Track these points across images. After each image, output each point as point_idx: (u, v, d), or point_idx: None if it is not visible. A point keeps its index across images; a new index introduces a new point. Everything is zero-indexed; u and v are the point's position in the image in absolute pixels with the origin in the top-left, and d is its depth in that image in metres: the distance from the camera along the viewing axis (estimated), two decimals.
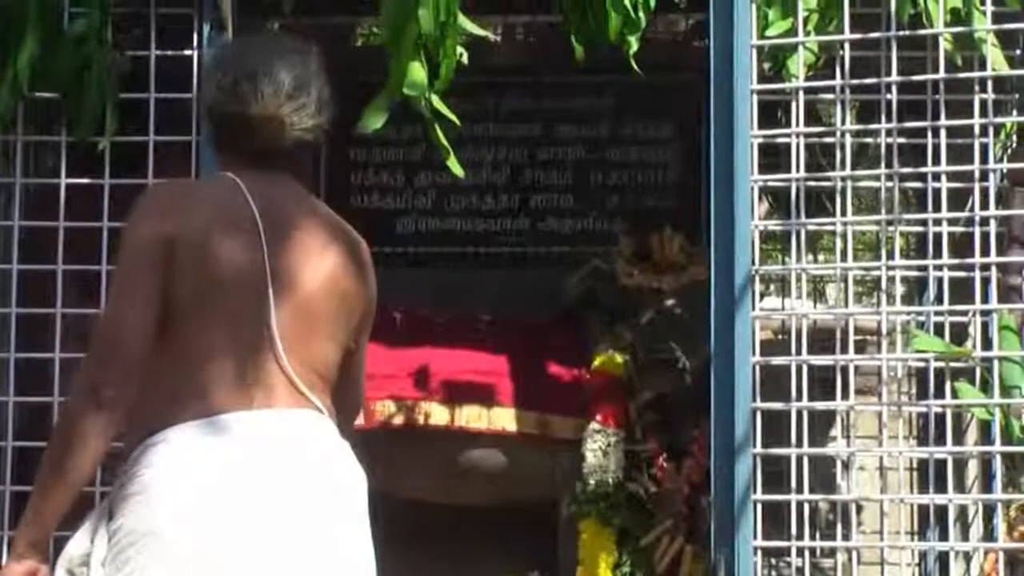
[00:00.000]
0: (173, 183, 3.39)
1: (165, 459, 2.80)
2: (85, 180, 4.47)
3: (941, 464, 4.31)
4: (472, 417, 5.57)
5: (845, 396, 4.31)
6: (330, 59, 3.16)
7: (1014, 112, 4.45)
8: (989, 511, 4.32)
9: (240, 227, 2.88)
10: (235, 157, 3.03)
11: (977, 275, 4.26)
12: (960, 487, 4.36)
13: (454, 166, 4.32)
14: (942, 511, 4.49)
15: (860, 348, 4.48)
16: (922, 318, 4.44)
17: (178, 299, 2.84)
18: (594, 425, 5.39)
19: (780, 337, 4.45)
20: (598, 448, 5.33)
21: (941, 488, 4.32)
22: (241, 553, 2.78)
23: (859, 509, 4.52)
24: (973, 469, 4.45)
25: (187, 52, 4.46)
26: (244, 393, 2.85)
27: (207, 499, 2.80)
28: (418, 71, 4.22)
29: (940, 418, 4.36)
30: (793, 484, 4.20)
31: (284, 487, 2.84)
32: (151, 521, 2.78)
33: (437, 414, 5.57)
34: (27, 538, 2.80)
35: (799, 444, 4.19)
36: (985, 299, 4.26)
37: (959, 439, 4.36)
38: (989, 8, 4.25)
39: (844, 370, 4.29)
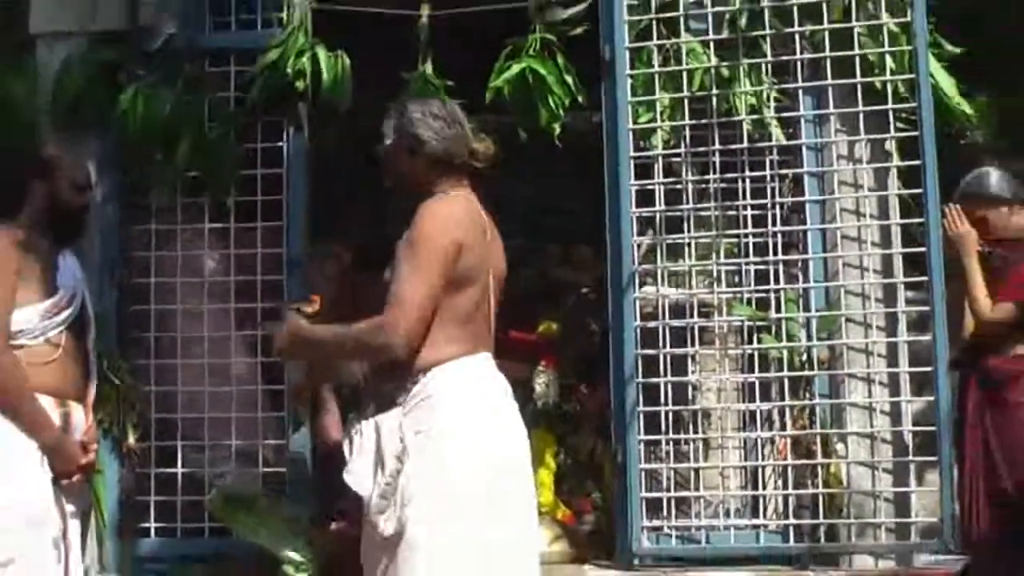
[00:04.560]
0: (450, 204, 2.80)
1: (445, 378, 2.70)
2: (219, 224, 4.40)
3: (753, 384, 4.27)
4: None
5: (694, 344, 4.28)
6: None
7: (792, 168, 4.33)
8: (782, 412, 4.24)
9: (484, 233, 2.79)
10: (449, 177, 2.80)
11: (771, 268, 4.27)
12: (765, 398, 4.26)
13: None
14: (755, 414, 4.33)
15: (703, 315, 4.32)
16: (740, 295, 4.28)
17: (457, 279, 2.71)
18: (540, 368, 5.28)
19: (653, 310, 4.36)
20: (543, 383, 5.22)
21: (753, 399, 4.27)
22: (491, 441, 2.69)
23: (706, 415, 4.36)
24: (773, 387, 4.26)
25: (279, 143, 4.43)
26: (484, 341, 2.77)
27: (472, 405, 2.70)
28: None
29: (751, 357, 4.28)
30: (662, 400, 4.19)
31: (509, 397, 2.78)
32: (434, 419, 2.66)
33: None
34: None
35: (666, 375, 4.19)
36: (777, 282, 4.26)
37: (765, 369, 4.25)
38: (772, 104, 4.28)
39: (693, 329, 4.28)
